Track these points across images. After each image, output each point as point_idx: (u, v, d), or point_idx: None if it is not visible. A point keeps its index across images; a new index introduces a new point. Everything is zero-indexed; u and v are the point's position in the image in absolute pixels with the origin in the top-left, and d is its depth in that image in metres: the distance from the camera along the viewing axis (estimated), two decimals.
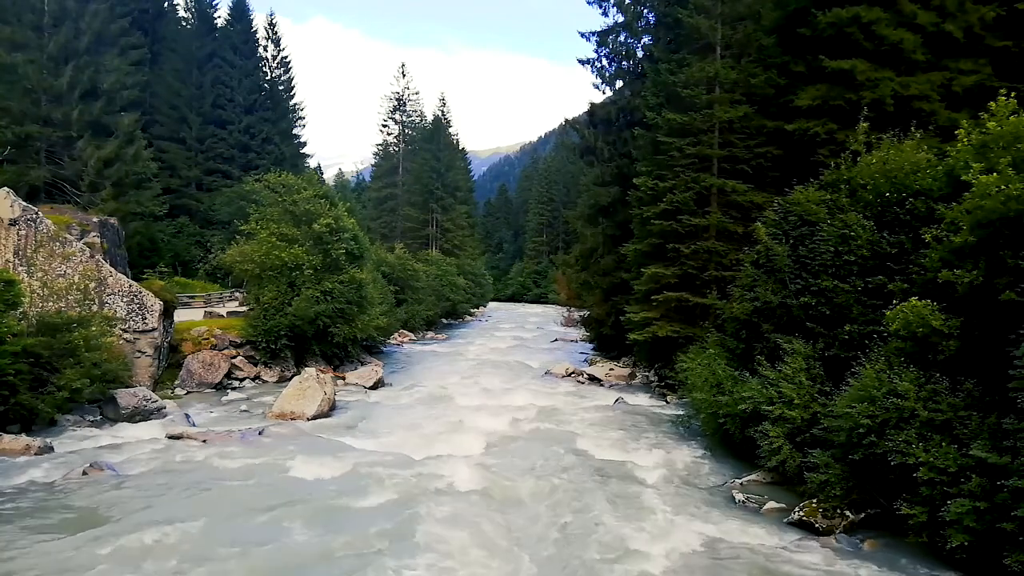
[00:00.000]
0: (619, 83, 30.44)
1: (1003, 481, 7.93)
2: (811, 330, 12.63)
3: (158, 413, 16.74)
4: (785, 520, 10.66)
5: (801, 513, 10.52)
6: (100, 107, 29.62)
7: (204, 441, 14.46)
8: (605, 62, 29.81)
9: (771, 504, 11.30)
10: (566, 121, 37.80)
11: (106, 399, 16.46)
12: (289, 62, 52.11)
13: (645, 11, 28.66)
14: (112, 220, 24.24)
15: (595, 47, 29.52)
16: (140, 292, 19.67)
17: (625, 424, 17.78)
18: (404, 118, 69.68)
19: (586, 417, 18.55)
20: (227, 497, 11.10)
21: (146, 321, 19.53)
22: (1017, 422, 8.16)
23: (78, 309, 17.60)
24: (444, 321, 52.72)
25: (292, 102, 52.88)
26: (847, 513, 10.30)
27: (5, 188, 18.74)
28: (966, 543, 8.28)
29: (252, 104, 47.20)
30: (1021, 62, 17.12)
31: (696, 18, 21.76)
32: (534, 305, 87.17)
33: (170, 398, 18.82)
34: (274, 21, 51.58)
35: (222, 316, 26.60)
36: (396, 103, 69.39)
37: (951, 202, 10.40)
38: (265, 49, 50.59)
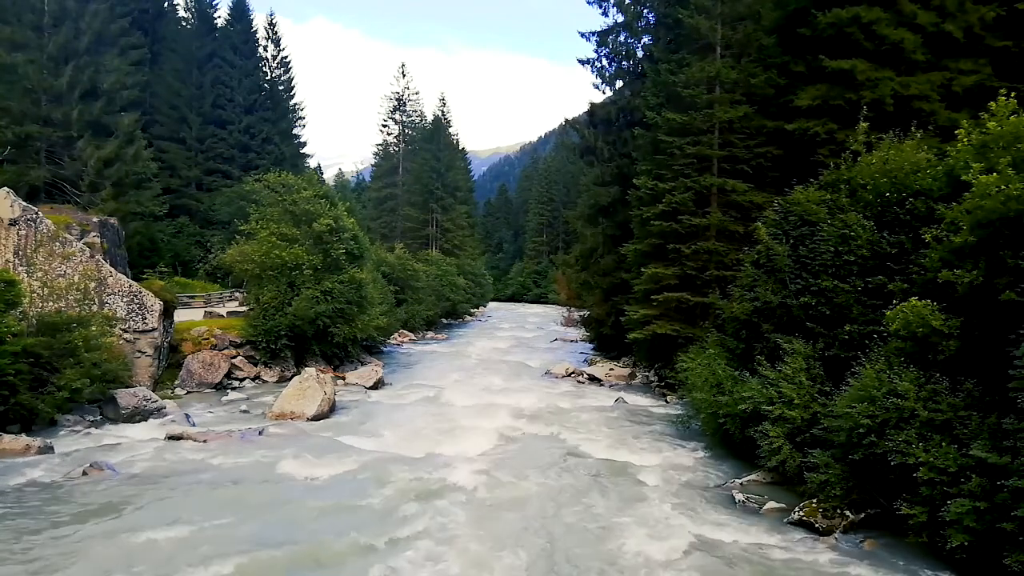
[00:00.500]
0: (619, 83, 30.48)
1: (1003, 481, 7.92)
2: (811, 330, 12.62)
3: (158, 413, 16.75)
4: (785, 520, 10.66)
5: (801, 513, 10.52)
6: (100, 107, 29.62)
7: (204, 441, 14.45)
8: (605, 62, 29.85)
9: (771, 504, 11.29)
10: (566, 121, 37.82)
11: (106, 399, 16.46)
12: (289, 62, 52.19)
13: (645, 11, 28.68)
14: (112, 220, 24.25)
15: (595, 47, 29.59)
16: (140, 292, 19.67)
17: (625, 424, 17.78)
18: (404, 118, 69.70)
19: (586, 417, 18.54)
20: (227, 497, 11.10)
21: (146, 321, 19.53)
22: (1017, 422, 8.15)
23: (78, 309, 17.61)
24: (444, 321, 52.73)
25: (292, 102, 52.93)
26: (847, 513, 10.29)
27: (5, 188, 18.75)
28: (966, 543, 8.27)
29: (252, 104, 47.21)
30: (1021, 62, 17.12)
31: (696, 18, 21.76)
32: (534, 305, 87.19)
33: (170, 398, 18.83)
34: (274, 21, 51.71)
35: (222, 316, 26.60)
36: (396, 103, 69.44)
37: (951, 202, 10.39)
38: (265, 49, 50.64)
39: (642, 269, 21.85)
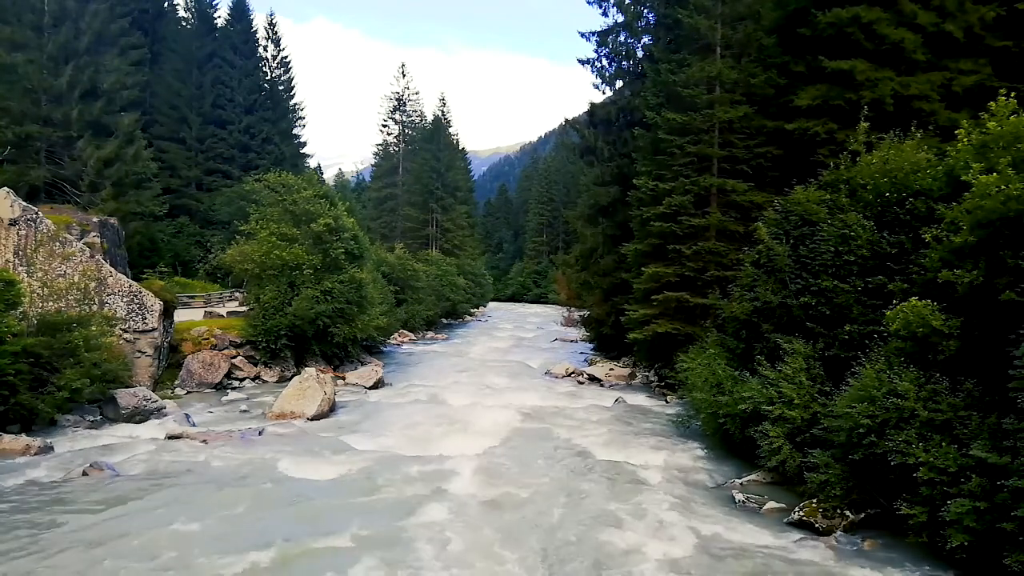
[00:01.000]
0: (619, 83, 30.47)
1: (1003, 481, 7.92)
2: (811, 330, 12.63)
3: (158, 413, 16.74)
4: (785, 520, 10.66)
5: (801, 513, 10.52)
6: (100, 107, 29.62)
7: (204, 441, 14.45)
8: (605, 62, 29.84)
9: (771, 504, 11.29)
10: (566, 121, 37.82)
11: (106, 399, 16.46)
12: (289, 62, 52.21)
13: (645, 11, 28.68)
14: (112, 220, 24.25)
15: (595, 47, 29.57)
16: (140, 292, 19.67)
17: (625, 424, 17.78)
18: (404, 118, 69.74)
19: (586, 417, 18.54)
20: (227, 497, 11.10)
21: (146, 321, 19.53)
22: (1017, 422, 8.16)
23: (78, 309, 17.61)
24: (444, 321, 52.73)
25: (292, 102, 52.94)
26: (847, 513, 10.29)
27: (5, 188, 18.75)
28: (966, 543, 8.27)
29: (252, 104, 47.22)
30: (1021, 62, 17.12)
31: (696, 18, 21.77)
32: (534, 305, 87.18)
33: (170, 398, 18.83)
34: (274, 21, 51.74)
35: (222, 316, 26.59)
36: (396, 103, 69.48)
37: (951, 202, 10.39)
38: (265, 49, 50.67)
39: (642, 268, 21.85)
